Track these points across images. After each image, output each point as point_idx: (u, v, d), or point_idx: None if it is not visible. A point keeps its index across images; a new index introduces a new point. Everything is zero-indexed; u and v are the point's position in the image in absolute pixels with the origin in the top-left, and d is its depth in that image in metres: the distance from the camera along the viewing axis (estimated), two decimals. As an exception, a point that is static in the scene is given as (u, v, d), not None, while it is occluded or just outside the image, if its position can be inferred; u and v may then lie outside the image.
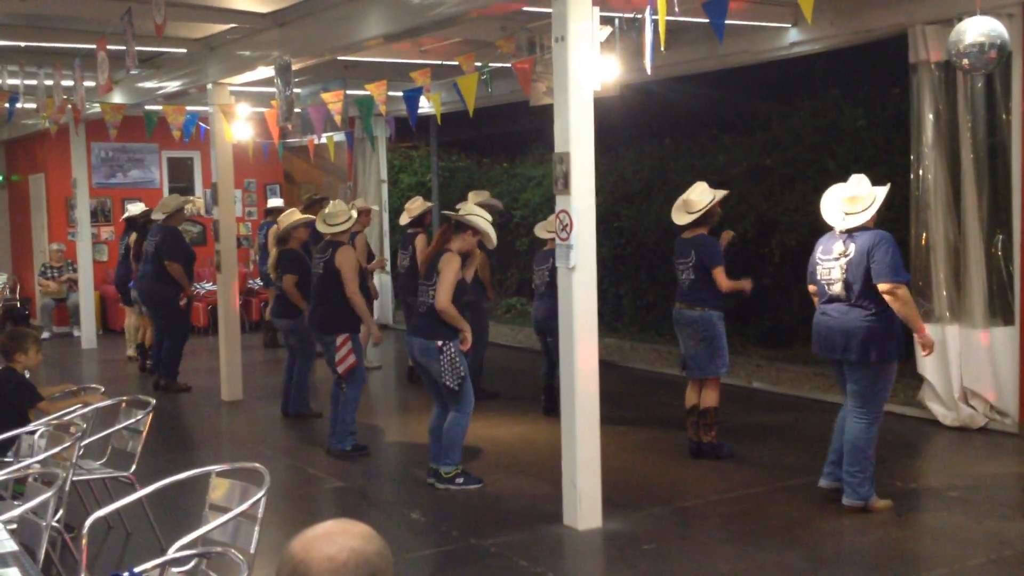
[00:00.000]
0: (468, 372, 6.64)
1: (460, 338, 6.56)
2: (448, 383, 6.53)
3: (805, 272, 6.26)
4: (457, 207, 6.87)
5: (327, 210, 8.04)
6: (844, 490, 6.00)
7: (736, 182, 11.08)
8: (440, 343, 6.49)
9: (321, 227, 7.95)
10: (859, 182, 5.89)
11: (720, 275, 7.06)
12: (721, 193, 7.16)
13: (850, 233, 5.84)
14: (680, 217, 7.20)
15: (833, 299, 5.90)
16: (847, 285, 5.81)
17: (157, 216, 10.71)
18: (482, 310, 9.32)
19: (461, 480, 6.73)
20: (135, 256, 11.29)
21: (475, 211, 6.74)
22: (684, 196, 7.21)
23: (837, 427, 6.17)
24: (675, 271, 7.32)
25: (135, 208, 12.42)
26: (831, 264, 5.89)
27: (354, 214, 8.20)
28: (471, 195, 9.26)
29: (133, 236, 11.75)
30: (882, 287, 5.69)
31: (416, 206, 9.76)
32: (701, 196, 7.12)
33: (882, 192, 5.90)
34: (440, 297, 6.45)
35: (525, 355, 11.92)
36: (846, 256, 5.81)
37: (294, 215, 8.97)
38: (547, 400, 8.67)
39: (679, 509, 6.32)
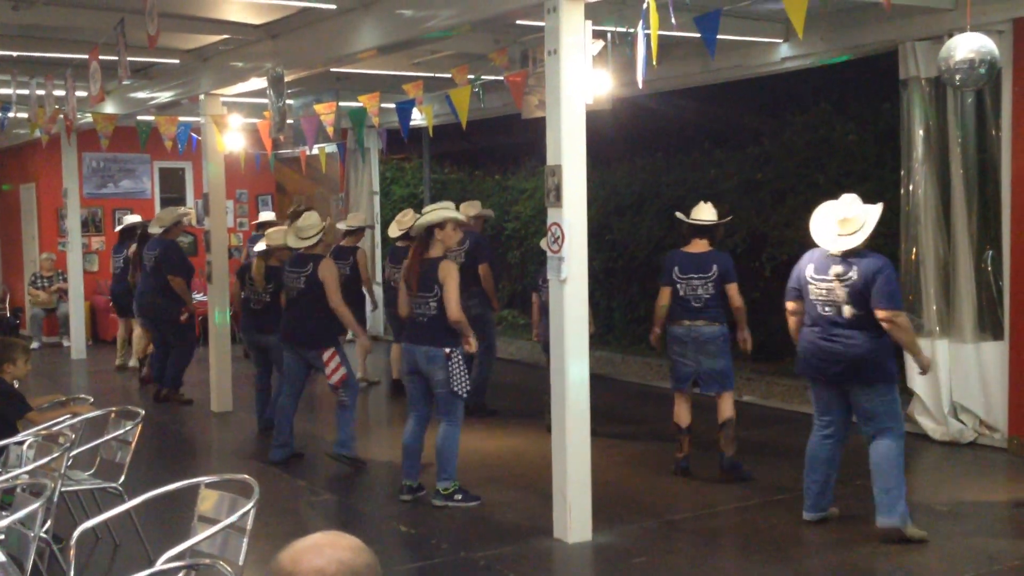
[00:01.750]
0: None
1: (465, 342, 6.55)
2: (456, 389, 6.49)
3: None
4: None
5: (299, 223, 7.89)
6: (879, 511, 5.74)
7: (727, 196, 11.10)
8: (448, 350, 6.48)
9: (293, 242, 7.82)
10: (851, 203, 5.75)
11: (737, 290, 7.15)
12: (727, 219, 7.40)
13: (844, 256, 5.72)
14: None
15: (832, 322, 5.74)
16: (851, 308, 5.66)
17: (154, 230, 10.61)
18: (488, 321, 9.40)
19: (460, 497, 6.66)
20: (134, 268, 11.23)
21: (428, 210, 6.79)
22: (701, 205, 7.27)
23: (814, 455, 6.02)
24: (676, 287, 7.12)
25: (132, 219, 12.41)
26: (828, 285, 5.75)
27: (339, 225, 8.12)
28: (463, 206, 9.26)
29: (133, 248, 11.74)
30: (881, 315, 5.60)
31: (407, 219, 9.75)
32: (712, 210, 7.22)
33: (874, 212, 5.76)
34: (452, 309, 6.41)
35: (517, 368, 11.92)
36: (847, 280, 5.66)
37: (281, 233, 8.82)
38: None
39: (669, 523, 6.31)
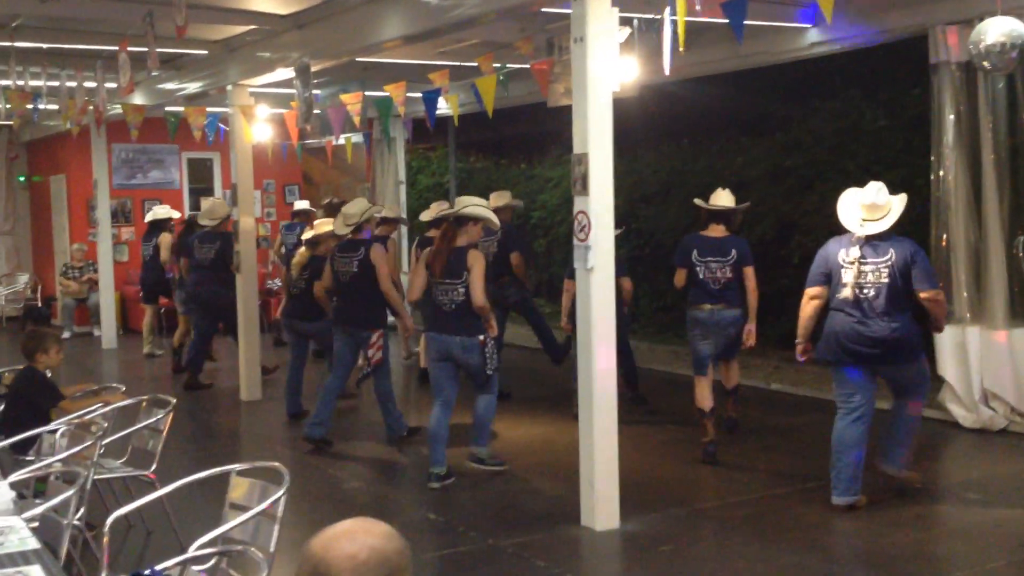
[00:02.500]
0: None
1: (487, 326, 6.83)
2: (489, 371, 6.83)
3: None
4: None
5: (346, 209, 8.14)
6: (891, 459, 6.23)
7: (755, 184, 11.06)
8: (482, 337, 6.75)
9: (340, 229, 8.06)
10: (879, 190, 5.90)
11: (754, 274, 7.36)
12: (745, 205, 7.62)
13: (870, 240, 5.86)
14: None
15: (869, 304, 5.87)
16: (889, 290, 5.82)
17: (205, 222, 10.85)
18: (531, 304, 9.92)
19: (494, 460, 7.15)
20: (177, 258, 11.44)
21: (469, 202, 6.99)
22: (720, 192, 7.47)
23: (843, 439, 6.04)
24: (686, 270, 7.33)
25: (162, 211, 12.60)
26: (863, 269, 5.86)
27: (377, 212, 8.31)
28: (492, 196, 9.39)
29: (165, 237, 12.03)
30: (926, 294, 5.82)
31: (443, 208, 9.86)
32: (729, 197, 7.43)
33: (899, 202, 5.94)
34: (478, 296, 6.67)
35: (542, 355, 11.89)
36: (886, 262, 5.84)
37: (329, 224, 9.00)
38: (632, 388, 8.93)
39: (697, 511, 6.31)
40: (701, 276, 7.24)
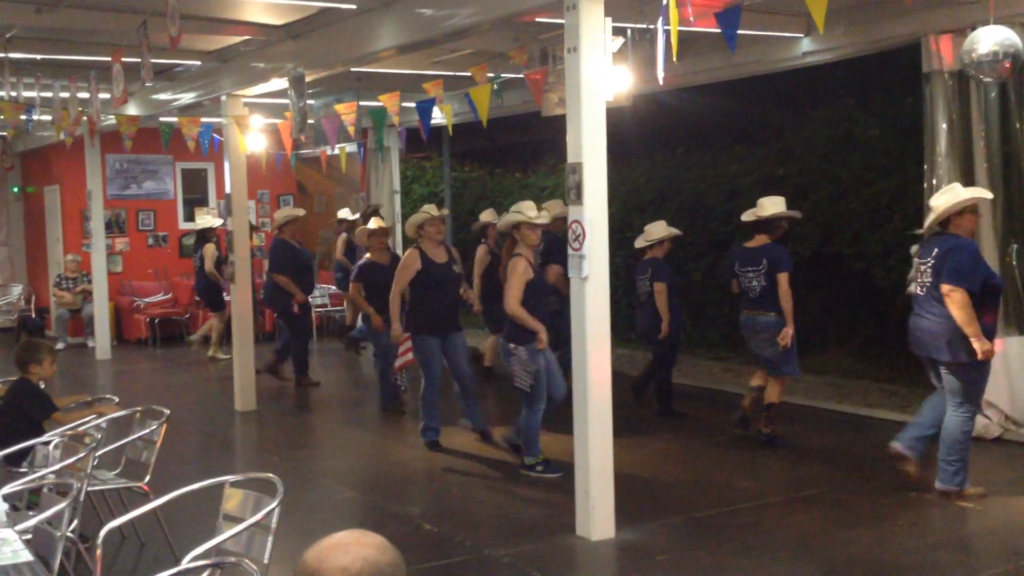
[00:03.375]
0: (541, 375, 7.02)
1: (536, 339, 6.94)
2: (517, 384, 7.00)
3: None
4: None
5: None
6: (939, 476, 6.33)
7: (749, 192, 11.05)
8: (512, 346, 6.94)
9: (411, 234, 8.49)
10: (943, 192, 6.24)
11: (785, 280, 7.58)
12: (793, 212, 7.93)
13: (929, 238, 6.20)
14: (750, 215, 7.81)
15: (922, 299, 6.21)
16: (932, 287, 6.11)
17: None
18: (567, 318, 9.74)
19: (541, 468, 7.20)
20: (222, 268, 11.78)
21: (512, 210, 7.23)
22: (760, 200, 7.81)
23: (930, 402, 6.42)
24: (735, 280, 7.80)
25: (203, 221, 12.92)
26: (919, 267, 6.25)
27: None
28: (546, 205, 9.42)
29: (209, 248, 12.51)
30: (942, 288, 6.01)
31: (485, 217, 10.32)
32: (774, 205, 7.72)
33: (966, 194, 6.16)
34: (507, 301, 6.91)
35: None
36: (929, 261, 6.14)
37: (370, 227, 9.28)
38: (660, 404, 9.12)
39: (693, 519, 6.30)
40: (742, 286, 7.72)
